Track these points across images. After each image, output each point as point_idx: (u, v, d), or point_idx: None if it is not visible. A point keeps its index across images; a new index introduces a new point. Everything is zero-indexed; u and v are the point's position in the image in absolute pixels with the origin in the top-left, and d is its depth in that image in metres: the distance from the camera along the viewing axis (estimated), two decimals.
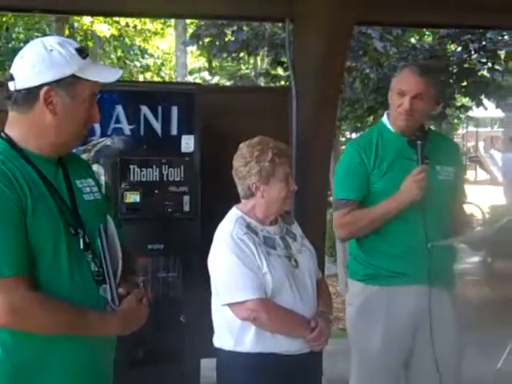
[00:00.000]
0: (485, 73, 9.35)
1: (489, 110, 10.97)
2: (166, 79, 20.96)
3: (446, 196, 3.56)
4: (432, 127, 13.22)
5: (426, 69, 3.58)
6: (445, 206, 3.56)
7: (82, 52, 2.33)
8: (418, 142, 3.46)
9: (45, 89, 2.27)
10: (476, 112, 13.87)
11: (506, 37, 9.14)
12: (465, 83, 9.44)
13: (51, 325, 2.25)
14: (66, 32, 15.47)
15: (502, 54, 9.39)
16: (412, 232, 3.45)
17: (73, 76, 2.29)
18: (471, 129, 32.16)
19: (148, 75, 20.84)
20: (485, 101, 10.16)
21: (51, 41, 2.32)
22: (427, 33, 10.49)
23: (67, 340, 2.28)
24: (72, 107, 2.32)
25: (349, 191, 3.55)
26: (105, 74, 2.38)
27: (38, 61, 2.27)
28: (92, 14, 9.11)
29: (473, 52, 9.08)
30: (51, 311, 2.25)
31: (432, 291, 3.44)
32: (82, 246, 2.32)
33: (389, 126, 3.58)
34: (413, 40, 10.22)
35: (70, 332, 2.28)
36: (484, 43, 8.87)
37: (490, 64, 9.21)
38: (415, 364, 3.56)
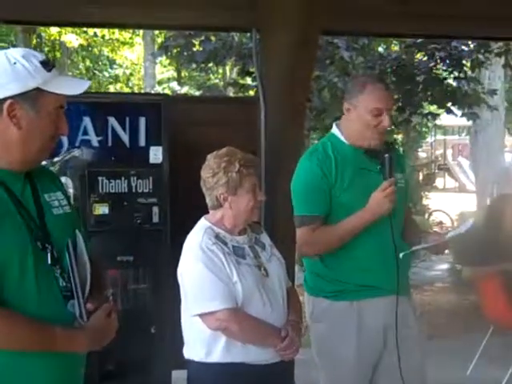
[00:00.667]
0: (451, 81, 9.47)
1: (456, 117, 11.09)
2: (135, 90, 20.92)
3: (403, 203, 3.60)
4: (400, 136, 13.32)
5: (382, 79, 3.56)
6: (403, 214, 3.61)
7: (48, 64, 2.30)
8: (386, 155, 3.43)
9: (8, 102, 2.25)
10: (444, 120, 14.02)
11: (471, 45, 9.26)
12: (431, 92, 9.54)
13: (16, 341, 2.22)
14: (34, 42, 15.38)
15: (468, 62, 9.51)
16: (382, 243, 3.44)
17: (37, 89, 2.27)
18: (439, 137, 32.43)
19: (117, 86, 20.78)
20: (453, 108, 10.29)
21: (15, 53, 2.30)
22: (394, 42, 10.59)
23: (35, 356, 2.25)
24: (37, 121, 2.29)
25: (313, 207, 3.47)
26: (71, 87, 2.35)
27: (1, 74, 2.25)
28: (58, 24, 9.06)
29: (439, 61, 9.18)
30: (16, 328, 2.21)
31: (404, 299, 3.47)
32: (49, 261, 2.29)
33: (341, 138, 3.52)
34: (380, 49, 10.32)
35: (37, 349, 2.25)
36: (450, 52, 8.98)
37: (455, 73, 9.32)
38: (381, 369, 3.55)
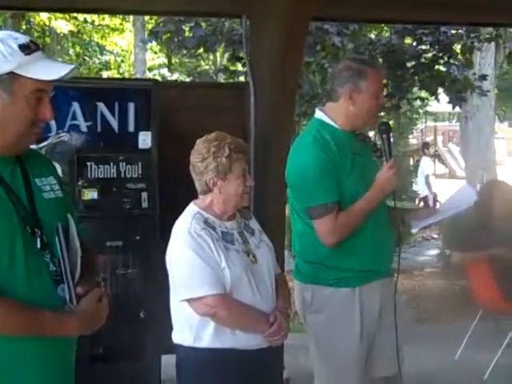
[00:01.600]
0: (441, 67, 9.47)
1: (446, 104, 11.09)
2: (126, 76, 20.83)
3: None
4: (391, 122, 13.39)
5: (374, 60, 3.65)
6: None
7: (28, 48, 2.25)
8: (384, 136, 3.49)
9: None
10: (434, 107, 14.05)
11: (460, 30, 9.26)
12: (421, 77, 9.54)
13: (5, 326, 2.22)
14: (23, 28, 15.28)
15: (458, 47, 9.52)
16: (379, 226, 3.48)
17: (11, 73, 2.22)
18: (430, 123, 32.48)
19: (109, 72, 20.69)
20: (442, 95, 10.30)
21: None
22: (385, 28, 10.58)
23: (25, 340, 2.25)
24: (11, 105, 2.24)
25: (331, 193, 3.40)
26: (48, 72, 2.27)
27: None
28: (48, 10, 9.01)
29: (428, 46, 9.18)
30: (5, 312, 2.21)
31: (392, 280, 3.54)
32: (38, 246, 2.28)
33: (333, 124, 3.50)
34: (372, 35, 10.31)
35: (26, 333, 2.25)
36: (439, 38, 8.97)
37: (445, 58, 9.32)
38: (376, 350, 3.55)
